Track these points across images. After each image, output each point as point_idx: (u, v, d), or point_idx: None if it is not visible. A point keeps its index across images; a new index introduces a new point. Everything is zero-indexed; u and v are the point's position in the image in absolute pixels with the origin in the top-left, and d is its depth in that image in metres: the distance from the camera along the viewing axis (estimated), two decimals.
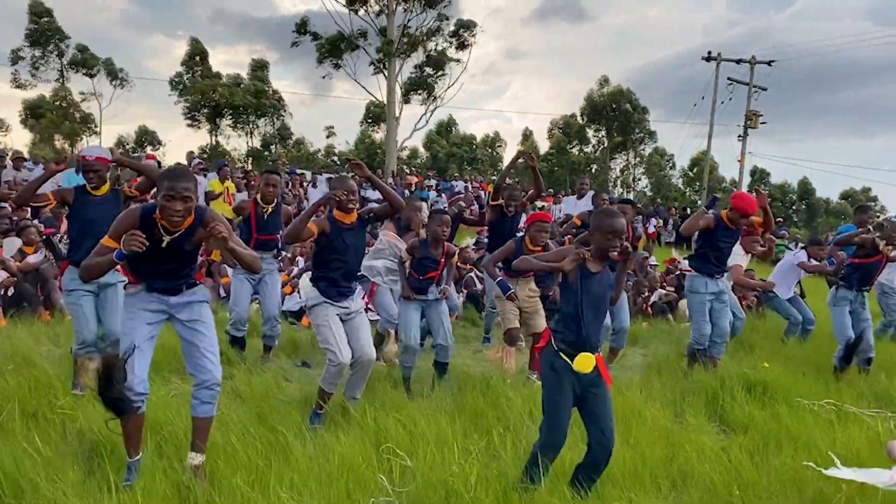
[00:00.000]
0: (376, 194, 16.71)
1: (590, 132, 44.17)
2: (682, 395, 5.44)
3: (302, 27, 31.06)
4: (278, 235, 6.20)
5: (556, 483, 3.41)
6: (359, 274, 4.87)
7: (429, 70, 32.59)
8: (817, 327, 8.06)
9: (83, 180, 4.89)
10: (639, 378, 6.14)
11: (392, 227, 6.52)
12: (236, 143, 39.43)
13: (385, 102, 31.84)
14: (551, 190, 24.74)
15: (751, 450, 4.34)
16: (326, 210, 4.62)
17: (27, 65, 32.69)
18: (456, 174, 28.55)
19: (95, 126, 34.28)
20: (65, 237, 8.06)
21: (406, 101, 32.58)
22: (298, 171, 18.06)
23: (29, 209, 10.43)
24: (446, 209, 6.29)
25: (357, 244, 4.63)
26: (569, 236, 6.80)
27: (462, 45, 32.14)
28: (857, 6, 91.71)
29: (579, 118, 44.04)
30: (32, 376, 4.72)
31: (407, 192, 17.64)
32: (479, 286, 9.59)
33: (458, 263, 6.15)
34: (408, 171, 32.84)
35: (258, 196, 6.11)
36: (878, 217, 7.73)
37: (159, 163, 14.86)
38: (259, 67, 38.10)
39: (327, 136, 44.01)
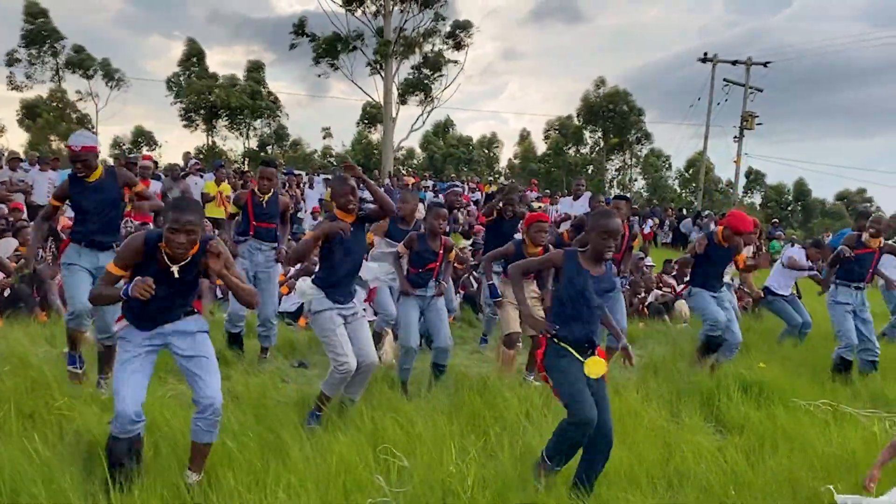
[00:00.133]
0: None
1: (586, 133, 44.22)
2: (678, 396, 5.46)
3: (299, 28, 31.07)
4: (276, 224, 6.24)
5: (553, 483, 3.42)
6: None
7: (426, 71, 32.61)
8: (813, 328, 8.08)
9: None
10: (635, 378, 6.14)
11: (382, 226, 6.54)
12: (233, 143, 39.43)
13: (382, 103, 31.85)
14: (548, 191, 24.78)
15: (747, 450, 4.36)
16: (323, 212, 4.63)
17: (23, 66, 32.68)
18: (452, 175, 28.59)
19: (92, 127, 34.17)
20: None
21: (403, 102, 32.60)
22: (296, 172, 18.07)
23: (25, 209, 10.44)
24: (442, 202, 6.31)
25: (358, 243, 4.64)
26: (567, 230, 6.84)
27: (458, 46, 32.19)
28: (854, 8, 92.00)
29: (575, 119, 44.10)
30: (29, 377, 4.70)
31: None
32: (475, 286, 9.60)
33: (455, 264, 6.16)
34: (404, 171, 32.88)
35: (255, 188, 6.17)
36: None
37: (156, 163, 14.83)
38: (255, 69, 38.09)
39: (324, 138, 44.06)
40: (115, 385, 3.33)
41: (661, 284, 11.26)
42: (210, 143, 37.76)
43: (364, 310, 5.02)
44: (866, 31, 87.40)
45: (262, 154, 38.30)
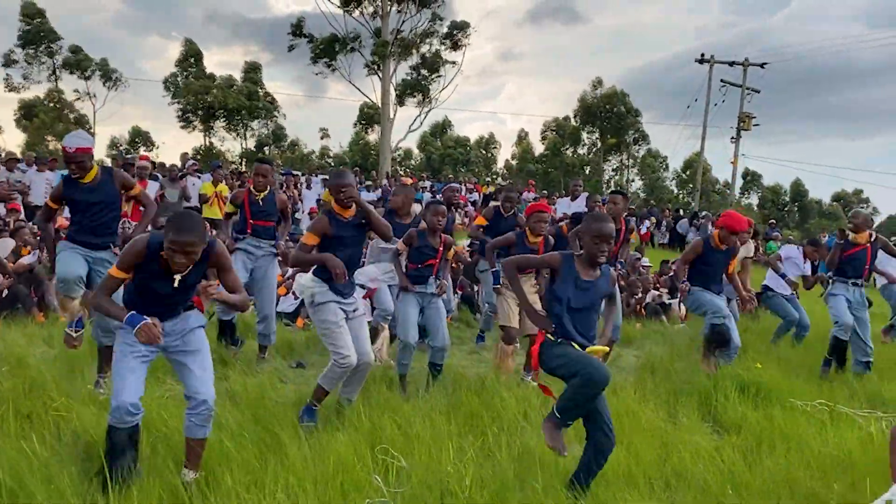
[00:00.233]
0: (370, 195, 16.73)
1: (584, 134, 44.28)
2: (675, 396, 5.47)
3: (297, 29, 31.07)
4: (274, 222, 6.24)
5: (551, 483, 3.43)
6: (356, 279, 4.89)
7: (424, 72, 32.62)
8: (811, 330, 8.09)
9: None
10: (632, 379, 6.17)
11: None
12: (230, 144, 39.43)
13: (379, 104, 31.85)
14: (545, 191, 24.81)
15: (744, 450, 4.37)
16: (321, 211, 4.64)
17: (20, 67, 32.63)
18: (450, 175, 28.61)
19: (90, 127, 34.14)
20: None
21: (401, 103, 32.61)
22: (294, 173, 18.07)
23: (22, 210, 10.43)
24: (440, 200, 6.35)
25: (357, 236, 4.64)
26: (566, 223, 6.89)
27: (455, 46, 32.18)
28: (851, 9, 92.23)
29: (573, 120, 44.14)
30: (27, 378, 4.70)
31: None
32: (475, 287, 9.60)
33: (453, 264, 6.19)
34: (402, 172, 32.87)
35: (251, 186, 6.17)
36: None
37: (154, 163, 14.80)
38: (252, 69, 38.10)
39: (321, 138, 44.07)
40: (114, 376, 3.34)
41: (658, 285, 11.28)
42: (207, 143, 37.77)
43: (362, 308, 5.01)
44: (863, 33, 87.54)
45: (259, 155, 38.29)
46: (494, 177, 44.62)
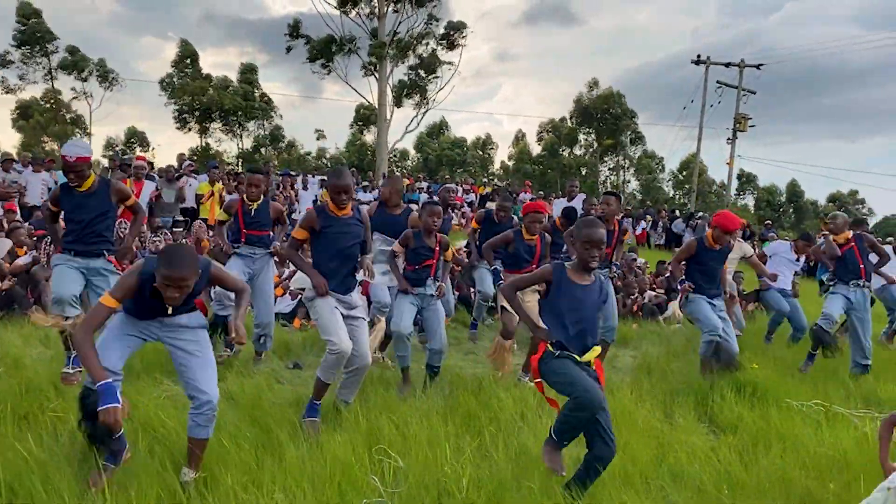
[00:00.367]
0: (368, 196, 16.73)
1: (581, 136, 44.32)
2: (671, 396, 5.49)
3: (294, 30, 31.04)
4: (269, 231, 6.23)
5: (548, 483, 3.44)
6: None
7: (421, 72, 32.62)
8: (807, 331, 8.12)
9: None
10: (629, 379, 6.18)
11: (371, 208, 6.56)
12: (227, 145, 39.38)
13: (376, 105, 31.85)
14: (541, 192, 24.84)
15: (740, 450, 4.39)
16: (315, 210, 4.66)
17: (15, 68, 32.55)
18: (447, 176, 28.61)
19: (86, 127, 34.11)
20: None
21: (398, 104, 32.60)
22: (291, 173, 18.06)
23: (18, 210, 10.41)
24: (436, 200, 6.40)
25: (353, 232, 4.64)
26: (559, 217, 7.01)
27: (452, 46, 32.16)
28: (846, 10, 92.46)
29: (569, 121, 44.18)
30: (23, 378, 4.71)
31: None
32: (472, 289, 9.60)
33: (451, 266, 6.21)
34: (399, 173, 32.84)
35: (244, 196, 6.16)
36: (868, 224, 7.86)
37: (151, 163, 14.78)
38: (248, 70, 38.07)
39: (317, 139, 44.05)
40: (100, 342, 3.32)
41: (654, 285, 11.30)
42: (204, 144, 37.71)
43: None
44: (858, 34, 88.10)
45: (256, 156, 38.26)
46: (491, 178, 44.64)
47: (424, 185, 21.75)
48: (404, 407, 4.62)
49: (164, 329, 3.48)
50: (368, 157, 38.12)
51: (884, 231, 37.34)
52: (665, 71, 75.14)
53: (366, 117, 38.92)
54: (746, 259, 8.11)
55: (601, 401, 3.30)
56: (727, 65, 30.57)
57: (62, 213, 5.01)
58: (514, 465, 3.83)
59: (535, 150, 46.32)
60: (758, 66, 30.37)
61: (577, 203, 10.58)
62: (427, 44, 32.10)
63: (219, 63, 73.76)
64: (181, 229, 10.49)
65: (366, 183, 19.91)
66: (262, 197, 6.14)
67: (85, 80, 34.08)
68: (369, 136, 40.39)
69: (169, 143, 70.70)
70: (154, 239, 9.95)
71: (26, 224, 9.37)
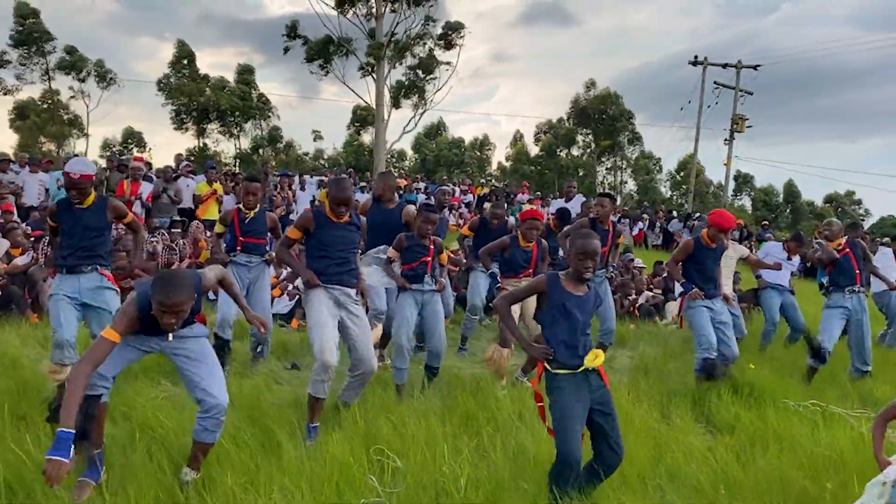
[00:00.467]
0: (364, 196, 16.71)
1: (579, 136, 44.35)
2: (668, 396, 5.50)
3: (292, 31, 31.02)
4: (265, 240, 6.25)
5: (545, 483, 3.45)
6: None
7: (418, 73, 32.61)
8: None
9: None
10: (626, 379, 6.19)
11: (366, 205, 6.56)
12: (224, 146, 39.33)
13: (374, 105, 31.84)
14: (539, 193, 24.87)
15: (737, 450, 4.39)
16: (312, 213, 4.66)
17: (12, 69, 32.49)
18: (444, 177, 28.62)
19: (83, 128, 34.07)
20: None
21: (396, 105, 32.59)
22: (289, 174, 18.04)
23: (15, 211, 10.39)
24: (433, 204, 6.39)
25: (349, 238, 4.64)
26: (552, 218, 7.02)
27: (449, 45, 32.14)
28: (843, 11, 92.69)
29: (566, 122, 44.21)
30: (21, 378, 4.71)
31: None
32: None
33: (449, 267, 6.22)
34: (396, 173, 32.81)
35: (240, 204, 6.18)
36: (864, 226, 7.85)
37: (149, 164, 14.78)
38: (245, 71, 38.06)
39: (314, 140, 44.04)
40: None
41: (651, 286, 11.31)
42: (201, 144, 37.69)
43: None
44: (856, 35, 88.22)
45: (254, 156, 38.24)
46: (489, 178, 44.67)
47: (422, 185, 21.75)
48: (402, 407, 4.63)
49: (166, 341, 3.47)
50: (366, 158, 38.10)
51: (880, 232, 37.44)
52: (662, 72, 75.36)
53: (363, 118, 38.94)
54: (744, 259, 8.12)
55: (578, 460, 3.28)
56: (724, 66, 30.63)
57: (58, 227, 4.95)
58: (511, 466, 3.84)
59: (533, 150, 46.45)
60: (755, 67, 30.43)
61: (576, 204, 10.59)
62: (424, 44, 32.09)
63: (216, 63, 74.04)
64: (179, 230, 10.48)
65: (363, 184, 19.91)
66: (258, 206, 6.16)
67: (83, 80, 34.03)
68: (367, 137, 40.44)
69: (166, 144, 70.74)
70: (151, 239, 9.94)
71: (23, 224, 9.36)
